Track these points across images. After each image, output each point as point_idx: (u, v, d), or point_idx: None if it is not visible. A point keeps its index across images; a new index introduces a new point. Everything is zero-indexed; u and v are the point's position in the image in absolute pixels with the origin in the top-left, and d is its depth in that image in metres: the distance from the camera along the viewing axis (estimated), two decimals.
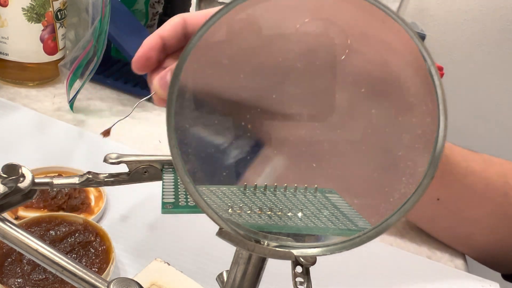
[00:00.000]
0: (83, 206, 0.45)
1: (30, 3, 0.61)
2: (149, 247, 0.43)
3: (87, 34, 0.60)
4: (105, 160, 0.22)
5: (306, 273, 0.18)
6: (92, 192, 0.47)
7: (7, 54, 0.64)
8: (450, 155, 0.47)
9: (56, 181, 0.22)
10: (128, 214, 0.46)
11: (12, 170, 0.20)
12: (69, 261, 0.19)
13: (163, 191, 0.20)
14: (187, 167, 0.17)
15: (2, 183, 0.20)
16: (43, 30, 0.64)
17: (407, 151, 0.18)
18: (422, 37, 1.16)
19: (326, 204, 0.19)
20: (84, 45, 0.60)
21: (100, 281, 0.19)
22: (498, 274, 0.61)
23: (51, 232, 0.39)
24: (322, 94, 0.18)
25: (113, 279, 0.18)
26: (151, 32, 0.38)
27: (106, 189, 0.47)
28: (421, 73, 0.16)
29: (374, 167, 0.20)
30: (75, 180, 0.22)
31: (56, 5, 0.64)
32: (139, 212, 0.47)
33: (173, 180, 0.21)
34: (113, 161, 0.22)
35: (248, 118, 0.18)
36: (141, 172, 0.22)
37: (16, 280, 0.35)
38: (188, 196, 0.20)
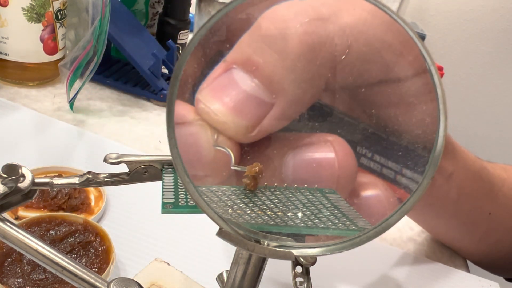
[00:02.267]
0: (83, 206, 0.45)
1: (30, 3, 0.61)
2: (149, 247, 0.43)
3: (87, 34, 0.60)
4: (105, 160, 0.22)
5: (306, 273, 0.18)
6: (92, 192, 0.47)
7: (7, 54, 0.64)
8: (488, 167, 0.47)
9: (56, 181, 0.22)
10: (128, 214, 0.46)
11: (12, 170, 0.20)
12: (69, 261, 0.19)
13: (163, 191, 0.20)
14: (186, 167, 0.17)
15: (2, 183, 0.20)
16: (43, 30, 0.64)
17: (407, 151, 0.18)
18: (422, 37, 1.16)
19: (326, 204, 0.19)
20: (84, 45, 0.60)
21: (100, 281, 0.19)
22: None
23: (51, 232, 0.39)
24: (279, 146, 0.19)
25: (113, 279, 0.18)
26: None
27: (106, 189, 0.47)
28: (421, 73, 0.16)
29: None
30: (75, 180, 0.22)
31: (56, 5, 0.64)
32: (139, 212, 0.47)
33: (173, 180, 0.21)
34: (113, 161, 0.22)
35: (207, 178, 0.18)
36: (141, 172, 0.22)
37: (16, 280, 0.35)
38: (188, 196, 0.20)
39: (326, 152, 0.18)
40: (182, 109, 0.18)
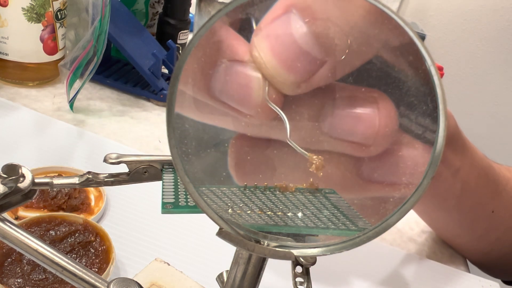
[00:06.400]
0: (83, 206, 0.45)
1: (30, 3, 0.61)
2: (149, 247, 0.43)
3: (87, 34, 0.60)
4: (105, 160, 0.22)
5: (306, 273, 0.18)
6: (92, 192, 0.47)
7: (7, 54, 0.64)
8: (494, 166, 0.47)
9: (56, 181, 0.22)
10: (128, 214, 0.46)
11: (12, 170, 0.20)
12: (69, 261, 0.19)
13: (163, 191, 0.20)
14: (187, 167, 0.17)
15: (2, 183, 0.20)
16: (43, 30, 0.64)
17: (407, 151, 0.18)
18: (422, 37, 1.16)
19: (326, 204, 0.19)
20: (84, 45, 0.60)
21: (100, 281, 0.19)
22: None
23: (51, 232, 0.39)
24: (322, 94, 0.18)
25: (113, 279, 0.18)
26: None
27: (106, 189, 0.47)
28: (421, 73, 0.16)
29: None
30: (75, 180, 0.22)
31: (56, 5, 0.64)
32: (139, 212, 0.47)
33: (173, 180, 0.21)
34: (113, 161, 0.22)
35: (248, 117, 0.18)
36: (141, 172, 0.22)
37: (16, 280, 0.35)
38: (188, 196, 0.20)
39: (369, 107, 0.18)
40: (241, 44, 0.18)
